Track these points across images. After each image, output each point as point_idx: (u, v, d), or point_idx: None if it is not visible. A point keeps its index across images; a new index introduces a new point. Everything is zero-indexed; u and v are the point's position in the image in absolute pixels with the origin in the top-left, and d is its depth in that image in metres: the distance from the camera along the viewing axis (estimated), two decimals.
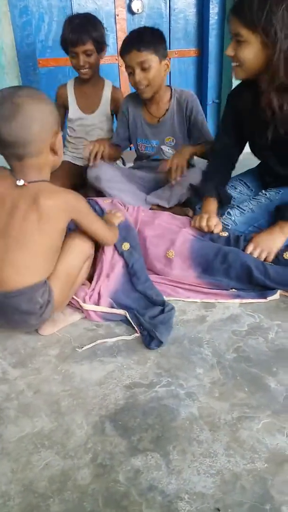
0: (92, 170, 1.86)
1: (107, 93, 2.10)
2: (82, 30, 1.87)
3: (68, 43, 1.90)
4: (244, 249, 1.46)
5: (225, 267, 1.41)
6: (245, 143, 1.71)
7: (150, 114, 1.94)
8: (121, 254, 1.42)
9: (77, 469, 0.86)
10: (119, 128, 2.02)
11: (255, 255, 1.43)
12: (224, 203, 1.64)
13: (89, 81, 2.06)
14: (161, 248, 1.49)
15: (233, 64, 1.41)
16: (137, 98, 1.93)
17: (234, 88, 1.64)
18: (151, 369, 1.11)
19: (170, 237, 1.51)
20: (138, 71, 1.72)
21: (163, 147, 1.97)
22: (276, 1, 1.23)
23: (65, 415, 0.98)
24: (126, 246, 1.43)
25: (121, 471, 0.85)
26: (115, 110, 2.13)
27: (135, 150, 2.10)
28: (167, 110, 1.91)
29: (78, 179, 2.09)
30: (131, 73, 1.76)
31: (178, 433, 0.93)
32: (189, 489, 0.81)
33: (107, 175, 1.84)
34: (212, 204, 1.61)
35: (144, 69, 1.72)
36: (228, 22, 1.35)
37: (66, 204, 1.15)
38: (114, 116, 2.18)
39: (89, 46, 1.91)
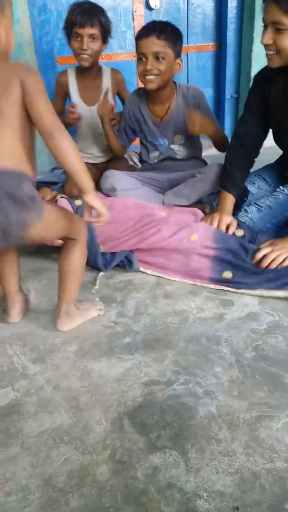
0: (107, 181, 1.85)
1: (106, 80, 2.09)
2: (92, 13, 1.87)
3: (76, 23, 1.87)
4: (259, 250, 1.44)
5: (243, 257, 1.43)
6: (269, 129, 1.64)
7: (154, 113, 1.89)
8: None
9: (96, 465, 0.87)
10: (121, 131, 1.97)
11: (273, 256, 1.39)
12: (241, 199, 1.62)
13: (90, 72, 2.04)
14: (184, 230, 1.50)
15: (270, 52, 1.35)
16: (141, 95, 1.88)
17: (263, 70, 1.55)
18: (168, 366, 1.11)
19: (192, 223, 1.53)
20: (151, 59, 1.65)
21: (172, 146, 1.92)
22: None
23: (84, 411, 0.99)
24: (78, 202, 1.56)
25: (139, 468, 0.85)
26: (119, 91, 2.14)
27: (142, 156, 2.04)
28: (169, 108, 1.85)
29: (95, 179, 2.11)
30: (141, 60, 1.69)
31: (197, 431, 0.92)
32: (207, 487, 0.81)
33: (121, 184, 1.82)
34: (228, 201, 1.59)
35: (157, 59, 1.66)
36: (264, 10, 1.30)
37: (15, 69, 1.06)
38: (120, 99, 2.19)
39: (96, 30, 1.89)
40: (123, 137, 1.98)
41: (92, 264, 1.54)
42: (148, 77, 1.70)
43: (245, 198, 1.69)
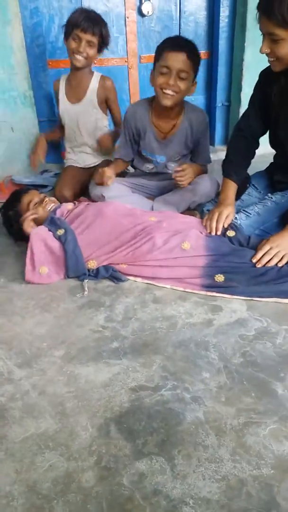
0: (95, 189, 1.84)
1: (94, 83, 2.15)
2: (96, 22, 1.96)
3: (79, 26, 1.94)
4: (257, 249, 1.45)
5: (237, 260, 1.44)
6: (269, 124, 1.66)
7: (157, 129, 1.85)
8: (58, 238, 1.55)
9: (81, 471, 0.85)
10: (123, 147, 1.94)
11: (272, 253, 1.41)
12: (244, 186, 1.67)
13: (80, 73, 2.11)
14: (176, 238, 1.50)
15: (270, 59, 1.40)
16: (145, 107, 1.84)
17: (268, 67, 1.54)
18: (156, 372, 1.10)
19: (184, 231, 1.53)
20: (175, 75, 1.63)
21: (169, 163, 1.92)
22: None
23: (70, 416, 0.98)
24: (61, 231, 1.55)
25: (125, 475, 0.84)
26: (105, 96, 2.19)
27: (135, 163, 2.02)
28: (174, 125, 1.82)
29: (85, 183, 2.12)
30: (164, 73, 1.65)
31: (184, 438, 0.92)
32: (194, 494, 0.80)
33: (110, 191, 1.82)
34: (231, 189, 1.63)
35: (180, 77, 1.64)
36: (258, 21, 1.33)
37: None
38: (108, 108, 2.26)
39: (96, 39, 1.99)
40: (127, 151, 1.94)
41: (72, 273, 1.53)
42: (167, 91, 1.67)
43: (248, 185, 1.73)
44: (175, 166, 1.85)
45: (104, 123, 2.25)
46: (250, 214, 1.61)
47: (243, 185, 1.70)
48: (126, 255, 1.51)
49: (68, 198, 2.01)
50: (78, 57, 2.02)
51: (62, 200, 1.95)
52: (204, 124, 1.84)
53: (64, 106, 2.20)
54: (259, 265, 1.40)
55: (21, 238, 1.70)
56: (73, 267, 1.50)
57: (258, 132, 1.68)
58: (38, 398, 1.03)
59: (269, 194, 1.66)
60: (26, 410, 1.00)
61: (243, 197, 1.72)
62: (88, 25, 1.95)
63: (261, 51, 1.37)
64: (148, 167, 1.96)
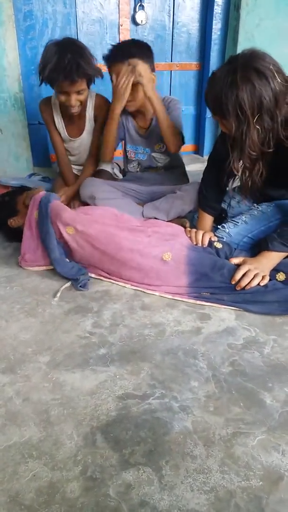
0: (87, 189, 1.83)
1: (90, 110, 1.98)
2: (77, 65, 1.66)
3: (58, 81, 1.69)
4: (236, 269, 1.42)
5: (221, 279, 1.40)
6: None
7: (138, 123, 1.96)
8: None
9: (66, 482, 0.82)
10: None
11: (251, 275, 1.38)
12: (219, 218, 1.69)
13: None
14: (158, 249, 1.47)
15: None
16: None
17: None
18: (144, 380, 1.08)
19: (166, 241, 1.51)
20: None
21: (154, 154, 1.98)
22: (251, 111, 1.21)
23: (55, 425, 0.95)
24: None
25: (111, 485, 0.82)
26: (99, 115, 1.98)
27: (125, 158, 2.08)
28: (151, 119, 1.92)
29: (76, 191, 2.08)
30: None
31: (171, 448, 0.90)
32: (181, 506, 0.78)
33: (101, 193, 1.81)
34: (207, 220, 1.67)
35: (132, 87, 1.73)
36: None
37: None
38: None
39: (83, 85, 1.75)
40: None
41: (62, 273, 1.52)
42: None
43: (223, 215, 1.73)
44: (161, 156, 1.94)
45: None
46: (238, 222, 1.63)
47: (219, 216, 1.71)
48: (110, 260, 1.50)
49: (65, 204, 1.96)
50: (73, 110, 1.83)
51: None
52: (170, 102, 1.89)
53: (66, 139, 2.06)
54: (238, 288, 1.37)
55: (14, 238, 1.72)
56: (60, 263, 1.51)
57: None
58: (22, 405, 1.00)
59: (255, 205, 1.68)
60: (9, 418, 0.97)
61: (234, 204, 1.75)
62: (70, 78, 1.66)
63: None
64: (135, 165, 2.04)
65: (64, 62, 1.64)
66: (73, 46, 1.71)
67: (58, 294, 1.43)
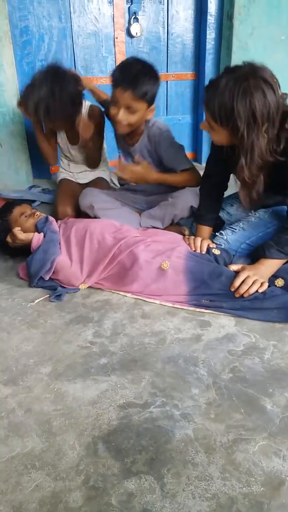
0: (86, 199, 1.84)
1: (85, 119, 1.97)
2: (45, 113, 1.78)
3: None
4: (235, 276, 1.43)
5: (220, 287, 1.41)
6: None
7: (126, 141, 1.91)
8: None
9: (68, 492, 0.83)
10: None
11: (250, 282, 1.39)
12: (217, 229, 1.70)
13: None
14: (156, 259, 1.49)
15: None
16: None
17: None
18: (145, 388, 1.09)
19: (165, 250, 1.52)
20: (123, 110, 1.66)
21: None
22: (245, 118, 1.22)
23: (57, 435, 0.96)
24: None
25: (114, 494, 0.82)
26: (92, 124, 1.96)
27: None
28: (137, 140, 1.86)
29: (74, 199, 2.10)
30: (115, 106, 1.68)
31: (173, 456, 0.90)
32: None
33: (100, 203, 1.82)
34: (205, 231, 1.68)
35: (130, 112, 1.66)
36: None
37: None
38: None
39: (61, 123, 1.91)
40: None
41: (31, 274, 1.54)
42: (119, 121, 1.70)
43: (218, 222, 1.75)
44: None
45: (104, 149, 2.22)
46: (236, 229, 1.64)
47: (217, 227, 1.73)
48: (110, 271, 1.52)
49: (71, 216, 1.96)
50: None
51: (63, 217, 1.91)
52: (160, 136, 1.82)
53: (65, 146, 2.13)
54: (237, 295, 1.38)
55: (7, 250, 1.73)
56: (36, 263, 1.52)
57: (223, 177, 1.67)
58: (24, 417, 1.01)
59: (252, 211, 1.70)
60: (11, 429, 0.98)
61: (232, 211, 1.76)
62: (41, 118, 1.81)
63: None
64: None
65: (34, 108, 1.76)
66: (51, 84, 1.74)
67: (36, 301, 1.48)
